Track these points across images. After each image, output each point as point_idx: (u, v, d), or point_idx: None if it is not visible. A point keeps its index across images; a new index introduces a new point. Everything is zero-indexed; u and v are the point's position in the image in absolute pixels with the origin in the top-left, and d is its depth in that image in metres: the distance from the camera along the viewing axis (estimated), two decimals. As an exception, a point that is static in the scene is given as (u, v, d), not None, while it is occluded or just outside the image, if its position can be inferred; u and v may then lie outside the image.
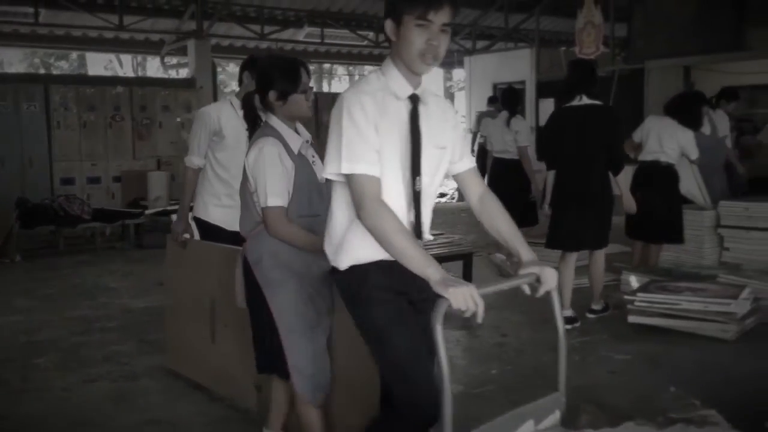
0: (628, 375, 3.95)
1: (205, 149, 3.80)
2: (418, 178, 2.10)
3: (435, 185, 2.21)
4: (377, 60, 16.25)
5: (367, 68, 24.55)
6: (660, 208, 5.39)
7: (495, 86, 12.47)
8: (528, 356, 4.29)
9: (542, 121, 11.45)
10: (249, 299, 2.79)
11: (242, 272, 2.77)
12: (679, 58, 9.78)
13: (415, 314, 2.14)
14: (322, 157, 2.18)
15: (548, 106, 11.32)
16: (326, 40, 13.91)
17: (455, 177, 2.32)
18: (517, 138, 6.25)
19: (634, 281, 5.29)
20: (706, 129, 6.43)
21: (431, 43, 2.03)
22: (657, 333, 4.54)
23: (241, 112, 3.10)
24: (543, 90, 11.79)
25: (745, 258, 5.84)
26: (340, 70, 26.24)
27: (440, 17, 2.01)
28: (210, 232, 3.79)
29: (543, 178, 6.40)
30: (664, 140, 5.43)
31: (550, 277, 2.09)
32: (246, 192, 2.71)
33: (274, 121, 2.71)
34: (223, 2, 11.89)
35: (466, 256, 5.38)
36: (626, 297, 4.83)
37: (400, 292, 2.12)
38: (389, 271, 2.08)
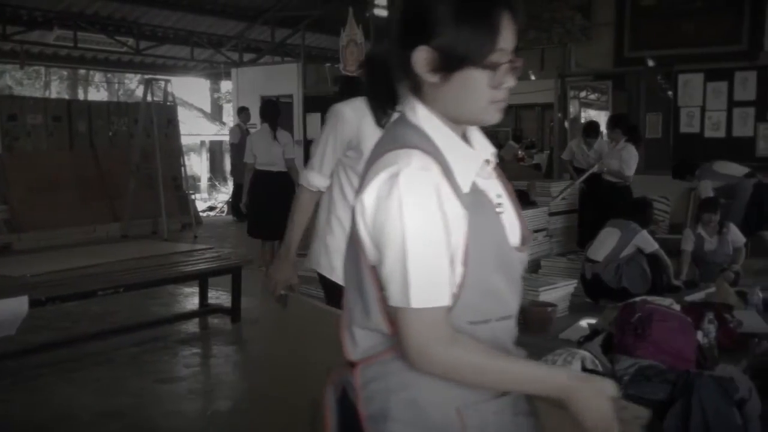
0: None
1: (332, 166, 2.50)
2: None
3: None
4: (138, 68, 15.51)
5: (128, 76, 23.39)
6: None
7: (263, 99, 12.50)
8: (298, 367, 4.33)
9: (310, 135, 11.70)
10: None
11: (336, 424, 1.34)
12: (433, 78, 10.54)
13: None
14: None
15: (315, 120, 11.60)
16: (80, 45, 12.95)
17: None
18: (285, 150, 6.31)
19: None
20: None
21: None
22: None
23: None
24: (310, 104, 12.04)
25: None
26: (98, 77, 24.59)
27: None
28: (337, 294, 2.35)
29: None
30: None
31: None
32: (358, 269, 1.23)
33: (423, 117, 1.23)
34: (-46, -4, 10.60)
35: (234, 270, 5.31)
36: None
37: None
38: None
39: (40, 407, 3.74)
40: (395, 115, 1.29)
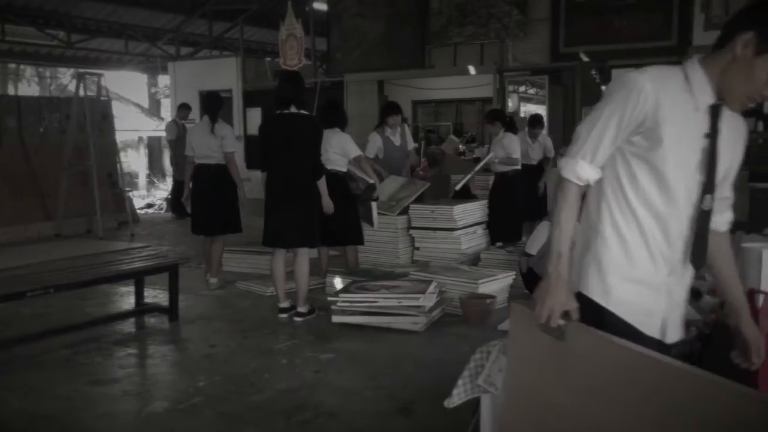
0: (332, 373, 4.15)
1: (609, 154, 1.85)
2: None
3: None
4: (70, 62, 15.04)
5: (61, 70, 22.63)
6: (336, 213, 5.63)
7: (201, 94, 12.28)
8: (237, 364, 4.28)
9: (250, 130, 11.55)
10: None
11: None
12: (373, 72, 10.54)
13: None
14: None
15: (255, 115, 11.45)
16: (8, 38, 12.49)
17: None
18: (224, 143, 6.15)
19: (337, 283, 5.56)
20: (396, 140, 7.02)
21: None
22: (358, 330, 4.83)
23: (706, 91, 1.78)
24: (249, 99, 11.88)
25: (432, 255, 6.49)
26: (30, 71, 23.74)
27: None
28: (614, 330, 1.81)
29: (249, 185, 6.51)
30: (328, 149, 5.71)
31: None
32: None
33: None
34: None
35: (171, 268, 5.20)
36: (330, 298, 5.07)
37: None
38: None
39: (-34, 414, 3.59)
40: None
